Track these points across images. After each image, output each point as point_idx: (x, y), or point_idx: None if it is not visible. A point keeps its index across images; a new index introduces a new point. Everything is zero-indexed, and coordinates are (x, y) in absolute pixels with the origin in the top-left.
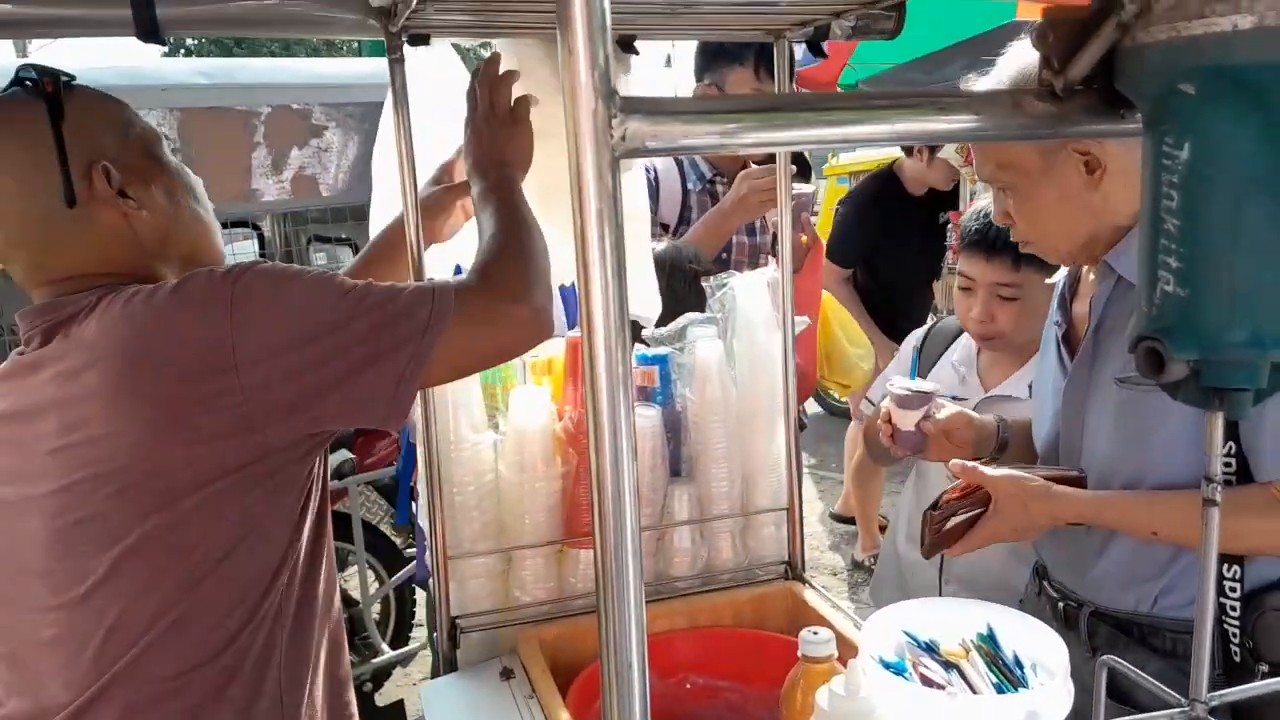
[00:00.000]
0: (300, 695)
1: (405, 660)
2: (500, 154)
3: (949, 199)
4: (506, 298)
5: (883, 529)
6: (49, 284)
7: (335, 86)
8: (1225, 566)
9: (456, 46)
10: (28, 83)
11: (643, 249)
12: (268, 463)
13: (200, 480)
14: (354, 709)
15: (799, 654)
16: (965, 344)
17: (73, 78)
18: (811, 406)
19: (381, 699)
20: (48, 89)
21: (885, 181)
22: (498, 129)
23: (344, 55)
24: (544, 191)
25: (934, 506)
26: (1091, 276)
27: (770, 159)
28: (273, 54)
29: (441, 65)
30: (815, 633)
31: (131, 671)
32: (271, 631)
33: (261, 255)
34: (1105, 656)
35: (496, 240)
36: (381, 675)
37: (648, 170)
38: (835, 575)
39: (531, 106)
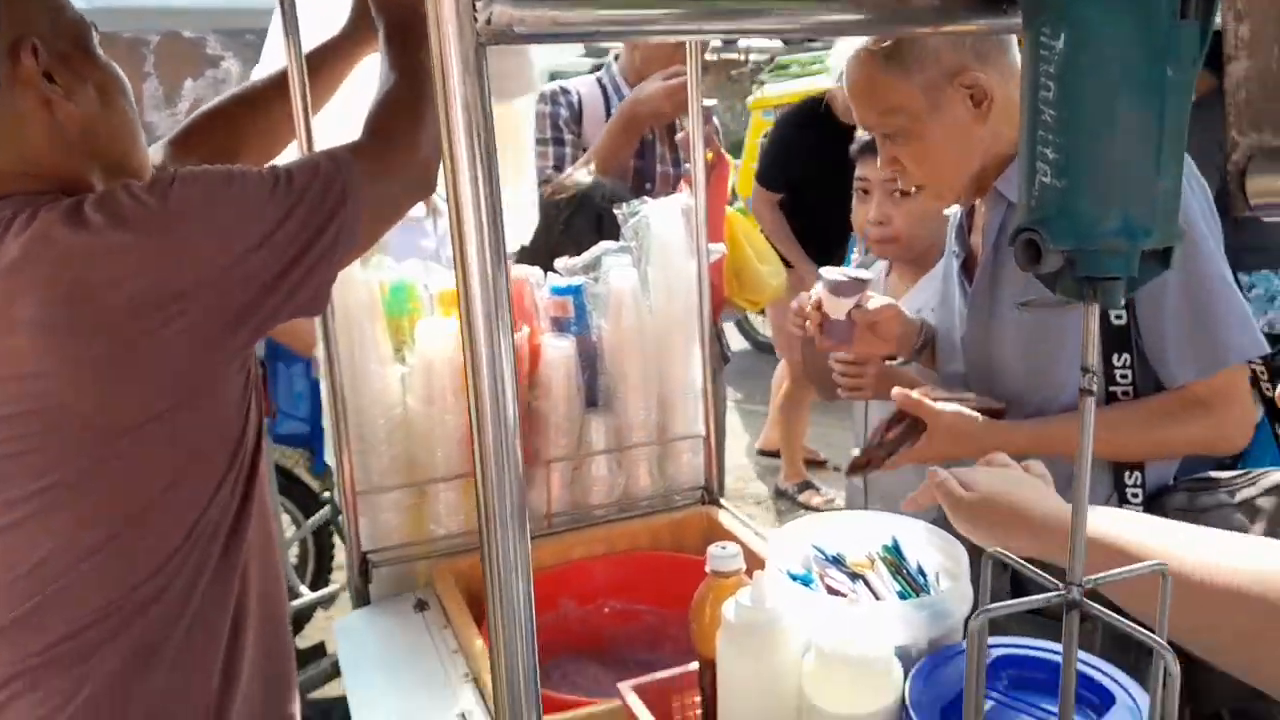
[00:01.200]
0: (223, 618)
1: (326, 602)
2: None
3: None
4: (399, 152)
5: (809, 462)
6: None
7: (231, 11)
8: (1127, 473)
9: None
10: None
11: (528, 185)
12: (214, 376)
13: (148, 413)
14: (291, 649)
15: (707, 569)
16: (878, 266)
17: None
18: (737, 342)
19: (302, 641)
20: None
21: (815, 109)
22: None
23: None
24: None
25: (878, 446)
26: (984, 206)
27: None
28: None
29: None
30: (723, 547)
31: (64, 595)
32: (205, 549)
33: None
34: (992, 549)
35: (388, 91)
36: (302, 618)
37: (569, 92)
38: (759, 504)
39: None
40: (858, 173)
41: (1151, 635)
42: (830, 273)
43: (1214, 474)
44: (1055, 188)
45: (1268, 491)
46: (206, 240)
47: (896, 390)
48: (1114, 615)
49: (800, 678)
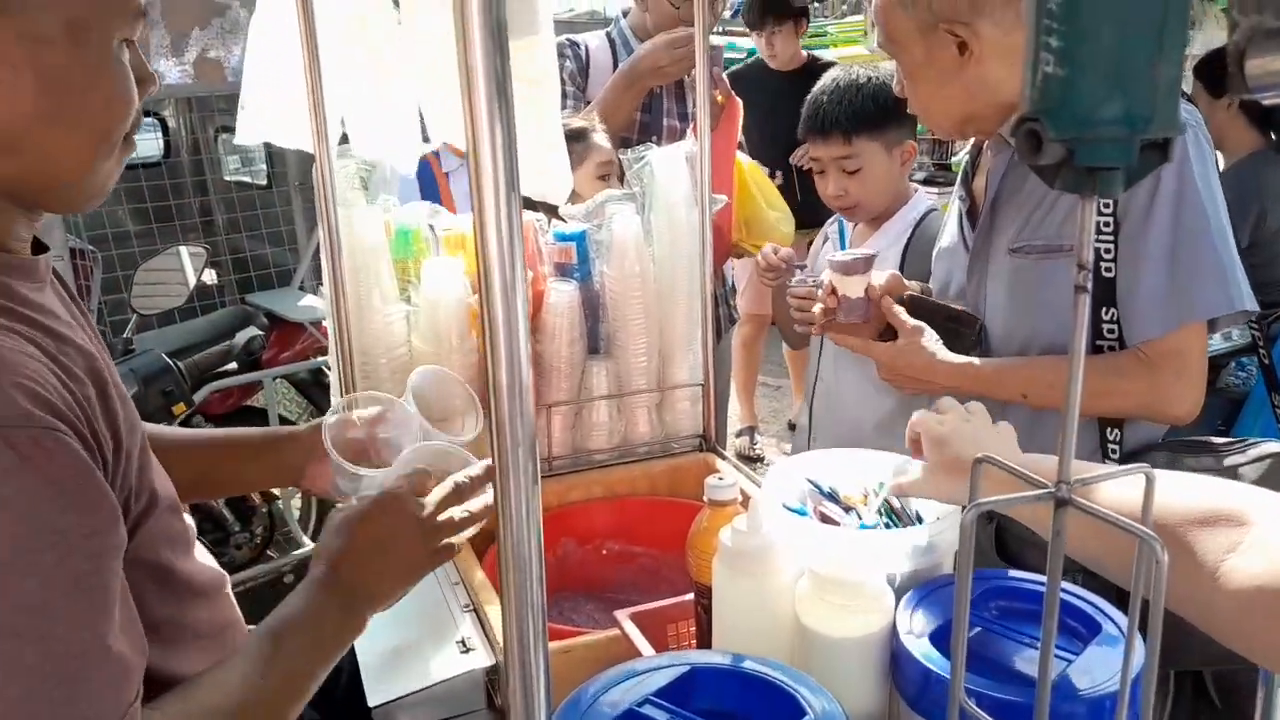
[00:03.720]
0: None
1: None
2: (362, 560)
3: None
4: None
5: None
6: None
7: None
8: (1108, 430)
9: None
10: None
11: (551, 121)
12: None
13: None
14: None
15: (704, 499)
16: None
17: None
18: None
19: None
20: None
21: (749, 65)
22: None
23: None
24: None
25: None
26: (990, 152)
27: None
28: None
29: None
30: (720, 478)
31: None
32: None
33: (166, 147)
34: (982, 454)
35: (237, 689)
36: (302, 568)
37: (577, 45)
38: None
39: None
40: (810, 153)
41: (1138, 526)
42: (837, 256)
43: (1211, 438)
44: (1057, 77)
45: (1256, 460)
46: None
47: (885, 295)
48: (1101, 510)
49: (794, 602)
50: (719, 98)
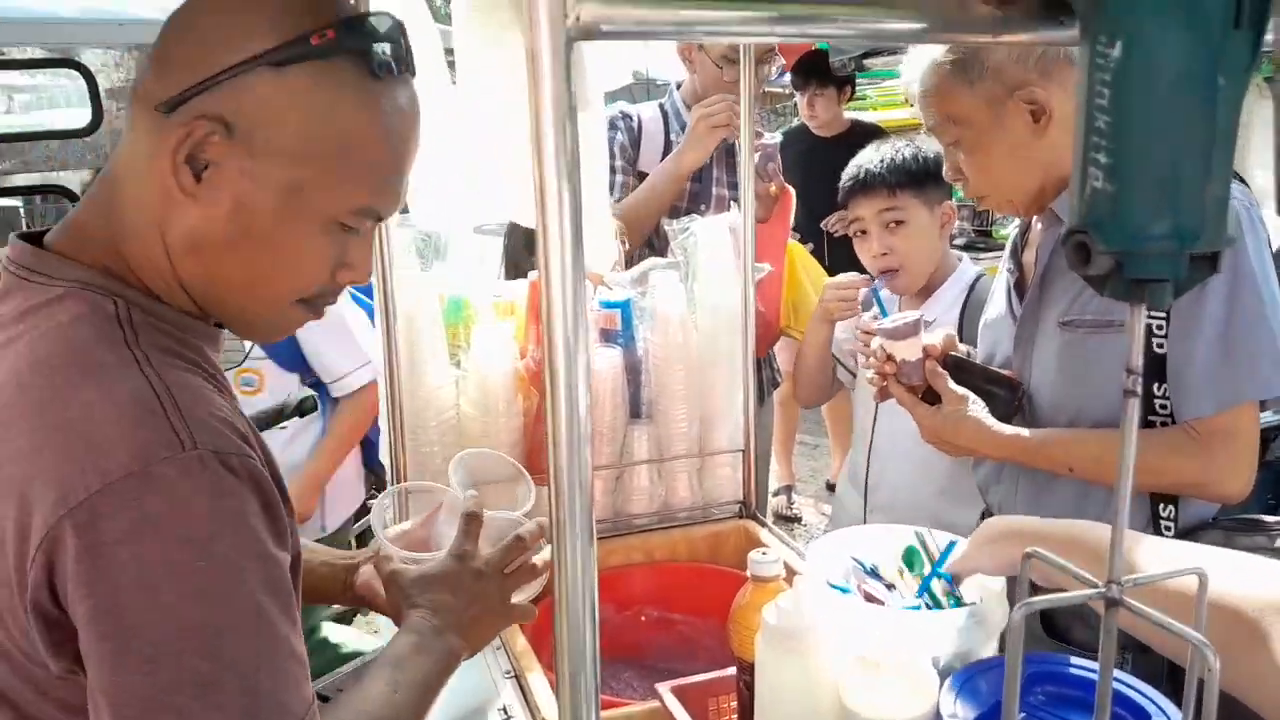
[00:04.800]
0: None
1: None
2: (454, 609)
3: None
4: None
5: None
6: (90, 193)
7: None
8: (1161, 506)
9: None
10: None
11: (598, 192)
12: None
13: None
14: None
15: (748, 574)
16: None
17: (377, 41)
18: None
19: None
20: (323, 32)
21: (792, 129)
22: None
23: None
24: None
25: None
26: (1039, 225)
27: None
28: None
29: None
30: (764, 553)
31: None
32: None
33: None
34: (1030, 548)
35: (377, 704)
36: (345, 619)
37: (630, 117)
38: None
39: (497, 51)
40: (850, 214)
41: (1191, 631)
42: (885, 323)
43: (1262, 517)
44: (1106, 192)
45: None
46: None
47: (930, 361)
48: (1153, 613)
49: (837, 682)
50: (773, 189)
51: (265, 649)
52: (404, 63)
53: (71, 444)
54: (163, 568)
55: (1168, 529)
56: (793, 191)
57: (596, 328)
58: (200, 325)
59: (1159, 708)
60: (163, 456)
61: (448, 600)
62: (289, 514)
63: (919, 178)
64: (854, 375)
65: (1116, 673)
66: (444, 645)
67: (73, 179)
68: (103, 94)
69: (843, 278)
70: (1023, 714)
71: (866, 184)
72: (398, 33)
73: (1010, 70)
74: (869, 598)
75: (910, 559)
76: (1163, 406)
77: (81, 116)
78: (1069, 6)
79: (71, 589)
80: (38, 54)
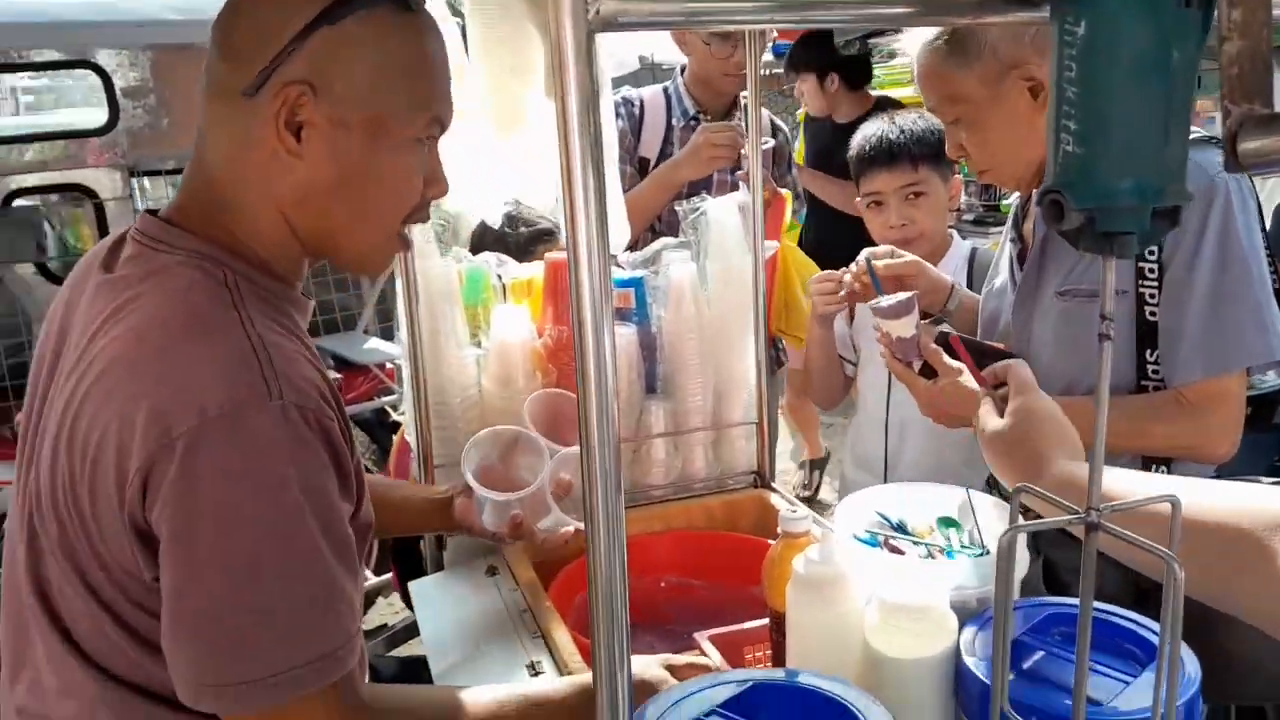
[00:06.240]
0: None
1: (386, 590)
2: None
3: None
4: None
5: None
6: (186, 181)
7: None
8: (1155, 467)
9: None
10: None
11: (610, 175)
12: None
13: None
14: None
15: (779, 530)
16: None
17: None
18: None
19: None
20: None
21: (813, 119)
22: None
23: None
24: (514, 119)
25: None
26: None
27: (731, 116)
28: None
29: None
30: (794, 510)
31: None
32: None
33: None
34: (1019, 484)
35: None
36: (365, 601)
37: (632, 103)
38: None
39: (507, 46)
40: (865, 189)
41: (1160, 548)
42: (876, 303)
43: (1260, 478)
44: (1077, 155)
45: None
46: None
47: (925, 339)
48: (1128, 533)
49: (863, 626)
50: (765, 193)
51: (318, 587)
52: None
53: (178, 385)
54: (238, 502)
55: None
56: (786, 196)
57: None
58: (295, 294)
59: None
60: (253, 403)
61: None
62: (359, 480)
63: (938, 150)
64: (855, 365)
65: (1127, 612)
66: None
67: (90, 177)
68: (118, 93)
69: (819, 275)
70: (1040, 651)
71: (891, 156)
72: None
73: (1007, 48)
74: (893, 550)
75: (946, 524)
76: (1155, 372)
77: (98, 116)
78: None
79: (159, 509)
80: (54, 56)
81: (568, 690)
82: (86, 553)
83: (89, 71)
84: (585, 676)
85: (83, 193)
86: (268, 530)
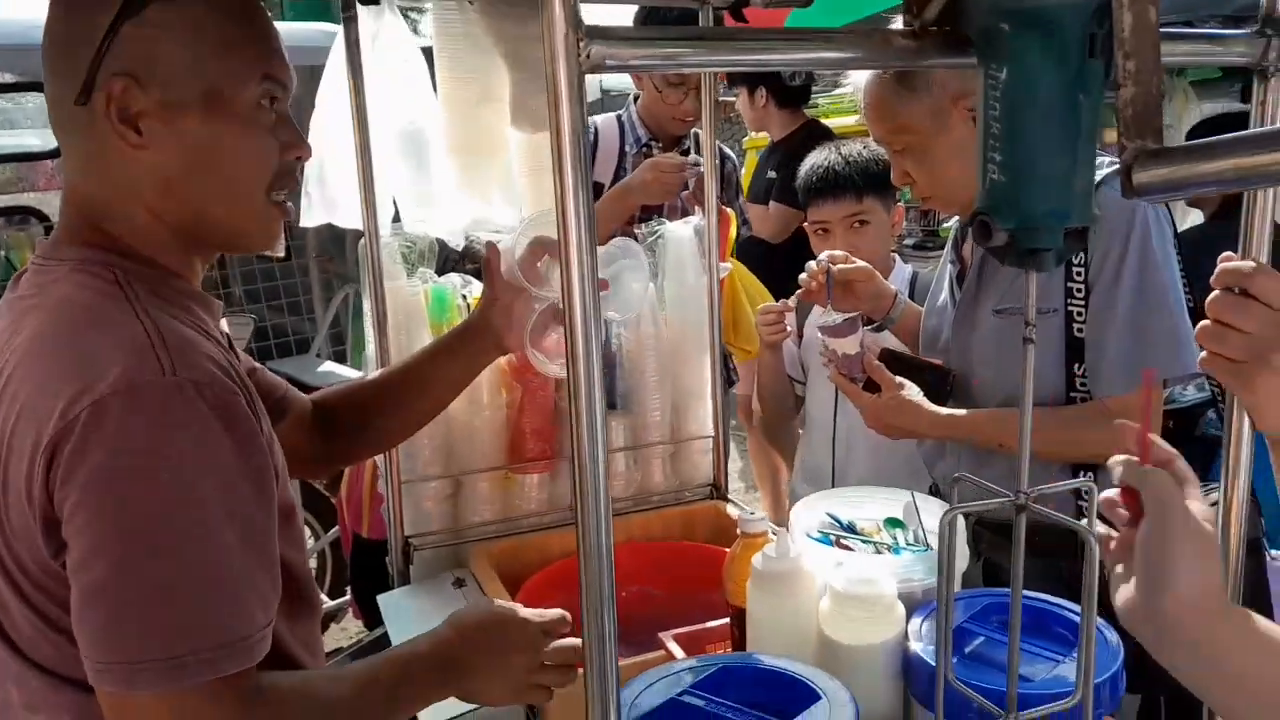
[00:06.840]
0: None
1: (338, 615)
2: (478, 650)
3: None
4: None
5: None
6: (63, 204)
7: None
8: (1084, 473)
9: (404, 10)
10: None
11: None
12: None
13: None
14: None
15: (738, 531)
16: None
17: None
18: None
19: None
20: None
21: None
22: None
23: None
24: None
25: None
26: None
27: (683, 150)
28: None
29: (386, 29)
30: (752, 513)
31: None
32: None
33: None
34: (957, 474)
35: (347, 691)
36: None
37: (587, 129)
38: None
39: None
40: (812, 217)
41: (1079, 524)
42: (823, 321)
43: None
44: (1001, 182)
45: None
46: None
47: (869, 356)
48: (1054, 513)
49: (818, 616)
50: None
51: (220, 568)
52: None
53: (77, 371)
54: (135, 475)
55: (1088, 494)
56: (732, 214)
57: None
58: (195, 290)
59: (1100, 631)
60: (150, 379)
61: (481, 640)
62: (274, 460)
63: (883, 180)
64: (803, 383)
65: (1063, 602)
66: (440, 674)
67: (41, 200)
68: None
69: (763, 306)
70: (980, 637)
71: (837, 186)
72: None
73: (951, 81)
74: (844, 547)
75: (892, 524)
76: (1082, 384)
77: (48, 139)
78: (969, 40)
79: (60, 490)
80: (4, 78)
81: (428, 645)
82: (9, 557)
83: (39, 94)
84: (440, 629)
85: (33, 215)
86: (164, 503)
